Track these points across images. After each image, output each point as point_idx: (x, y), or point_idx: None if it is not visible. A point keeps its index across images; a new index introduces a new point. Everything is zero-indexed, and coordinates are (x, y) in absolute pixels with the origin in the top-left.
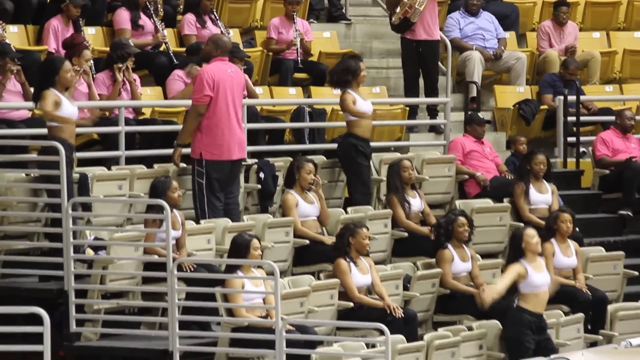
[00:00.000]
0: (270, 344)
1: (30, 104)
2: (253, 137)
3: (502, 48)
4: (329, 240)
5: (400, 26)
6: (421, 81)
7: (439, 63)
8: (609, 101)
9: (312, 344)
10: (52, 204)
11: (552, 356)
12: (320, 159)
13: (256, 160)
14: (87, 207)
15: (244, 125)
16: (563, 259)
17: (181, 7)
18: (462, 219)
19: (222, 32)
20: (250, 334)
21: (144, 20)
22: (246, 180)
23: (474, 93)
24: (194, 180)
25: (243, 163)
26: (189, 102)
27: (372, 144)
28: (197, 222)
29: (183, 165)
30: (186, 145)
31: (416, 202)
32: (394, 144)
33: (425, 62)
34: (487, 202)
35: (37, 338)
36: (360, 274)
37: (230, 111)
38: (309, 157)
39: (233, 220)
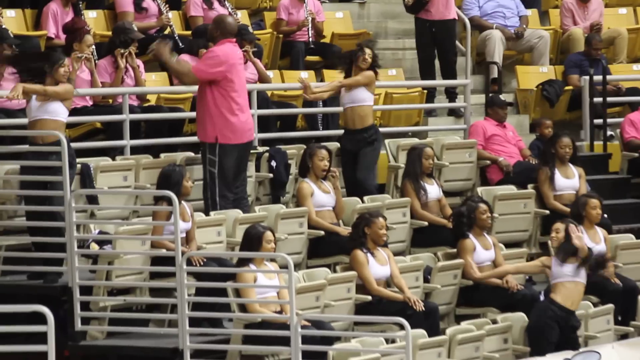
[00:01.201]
0: (285, 341)
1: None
2: (264, 123)
3: (524, 26)
4: (345, 230)
5: (414, 6)
6: (438, 63)
7: (458, 43)
8: (636, 80)
9: (329, 340)
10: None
11: (582, 349)
12: (334, 145)
13: (267, 148)
14: (91, 199)
15: (253, 111)
16: (591, 246)
17: None
18: (483, 206)
19: (229, 13)
20: (264, 331)
21: (147, 2)
22: (257, 169)
23: (495, 74)
24: (206, 170)
25: (253, 151)
26: (195, 88)
27: (389, 129)
28: (207, 214)
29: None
30: (180, 134)
31: (434, 190)
32: (412, 129)
33: (441, 43)
34: (511, 189)
35: (41, 337)
36: (378, 266)
37: (242, 93)
38: (323, 144)
39: (243, 212)
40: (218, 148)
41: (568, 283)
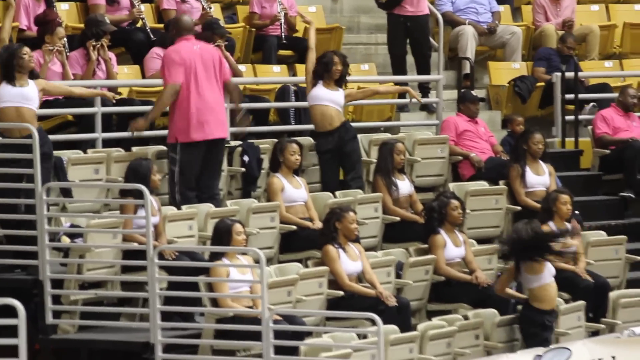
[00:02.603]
0: (256, 336)
1: None
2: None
3: (496, 22)
4: (316, 225)
5: (388, 3)
6: (411, 58)
7: (430, 38)
8: (608, 77)
9: (301, 335)
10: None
11: (552, 346)
12: (307, 140)
13: (240, 143)
14: (63, 192)
15: (226, 105)
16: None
17: None
18: (455, 202)
19: (203, 6)
20: (236, 325)
21: None
22: (229, 164)
23: (467, 70)
24: (169, 168)
25: (226, 145)
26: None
27: (361, 124)
28: (178, 208)
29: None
30: (151, 127)
31: (405, 185)
32: (384, 124)
33: (416, 38)
34: (482, 185)
35: (12, 331)
36: (349, 261)
37: (202, 90)
38: (294, 138)
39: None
40: (179, 147)
41: (547, 286)
